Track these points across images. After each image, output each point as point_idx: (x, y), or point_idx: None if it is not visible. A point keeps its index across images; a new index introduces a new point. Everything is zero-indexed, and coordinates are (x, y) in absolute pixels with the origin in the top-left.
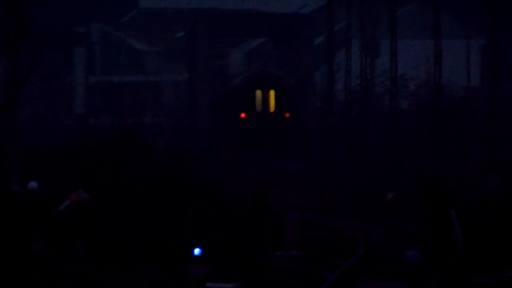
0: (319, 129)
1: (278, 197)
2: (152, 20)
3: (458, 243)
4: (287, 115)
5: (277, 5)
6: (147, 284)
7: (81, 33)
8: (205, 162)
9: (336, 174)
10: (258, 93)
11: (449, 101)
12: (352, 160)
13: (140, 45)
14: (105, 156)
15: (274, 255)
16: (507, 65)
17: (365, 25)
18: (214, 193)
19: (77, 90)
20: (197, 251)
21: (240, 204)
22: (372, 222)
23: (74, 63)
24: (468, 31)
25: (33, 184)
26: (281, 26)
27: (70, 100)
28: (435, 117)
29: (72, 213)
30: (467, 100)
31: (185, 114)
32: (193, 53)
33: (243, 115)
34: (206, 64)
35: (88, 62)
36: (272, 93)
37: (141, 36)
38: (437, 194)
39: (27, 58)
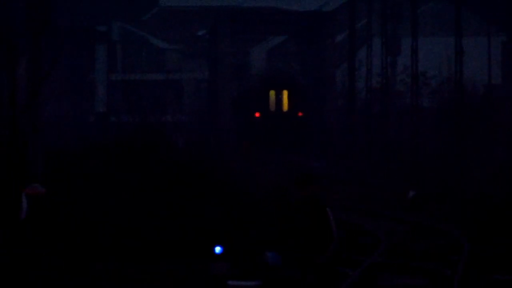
0: (339, 126)
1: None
2: (173, 18)
3: (333, 239)
4: (300, 114)
5: (298, 2)
6: (168, 281)
7: (102, 32)
8: (226, 159)
9: (356, 171)
10: (272, 93)
11: (471, 99)
12: (373, 158)
13: (161, 43)
14: (127, 153)
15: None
16: None
17: (386, 23)
18: (236, 190)
19: (99, 88)
20: (218, 249)
21: (263, 202)
22: (394, 219)
23: (96, 61)
24: (490, 28)
25: None
26: (303, 24)
27: (91, 98)
28: (457, 115)
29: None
30: (488, 98)
31: (206, 112)
32: (215, 51)
33: (257, 114)
34: (227, 62)
35: (109, 60)
36: (285, 93)
37: (162, 34)
38: (304, 192)
39: (49, 56)
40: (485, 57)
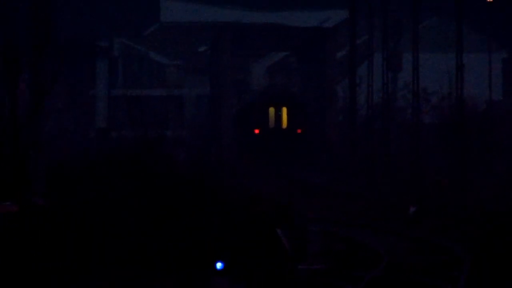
0: (340, 141)
1: (300, 209)
2: (174, 33)
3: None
4: (299, 131)
5: (299, 19)
6: None
7: (103, 47)
8: (227, 175)
9: (356, 185)
10: (271, 110)
11: (471, 115)
12: (373, 172)
13: (162, 58)
14: (128, 168)
15: (297, 268)
16: None
17: (387, 39)
18: (236, 205)
19: (99, 103)
20: (219, 265)
21: (264, 217)
22: (394, 235)
23: (97, 77)
24: (490, 44)
25: None
26: (304, 40)
27: (92, 113)
28: (457, 130)
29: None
30: (489, 113)
31: (208, 127)
32: (216, 67)
33: (257, 131)
34: (229, 78)
35: (110, 75)
36: (284, 110)
37: (163, 50)
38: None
39: (50, 71)
40: (486, 73)
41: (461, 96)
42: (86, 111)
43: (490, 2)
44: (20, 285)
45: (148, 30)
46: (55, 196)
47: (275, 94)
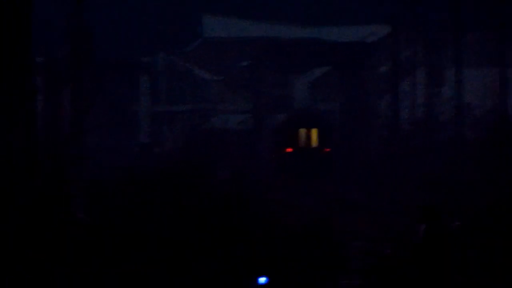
0: (382, 157)
1: (339, 225)
2: (216, 49)
3: None
4: (327, 150)
5: (341, 34)
6: None
7: (146, 63)
8: (267, 190)
9: (396, 202)
10: (302, 131)
11: None
12: (415, 190)
13: (204, 74)
14: (170, 184)
15: (339, 283)
16: None
17: (430, 54)
18: (278, 221)
19: (142, 119)
20: (262, 279)
21: (304, 232)
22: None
23: (140, 92)
24: None
25: None
26: (346, 55)
27: (135, 129)
28: (501, 146)
29: None
30: None
31: (249, 143)
32: (257, 82)
33: (289, 149)
34: (270, 93)
35: (153, 91)
36: (314, 131)
37: (205, 65)
38: None
39: (93, 87)
40: None
41: (505, 111)
42: (130, 126)
43: None
44: None
45: (191, 45)
46: (97, 211)
47: (306, 116)
